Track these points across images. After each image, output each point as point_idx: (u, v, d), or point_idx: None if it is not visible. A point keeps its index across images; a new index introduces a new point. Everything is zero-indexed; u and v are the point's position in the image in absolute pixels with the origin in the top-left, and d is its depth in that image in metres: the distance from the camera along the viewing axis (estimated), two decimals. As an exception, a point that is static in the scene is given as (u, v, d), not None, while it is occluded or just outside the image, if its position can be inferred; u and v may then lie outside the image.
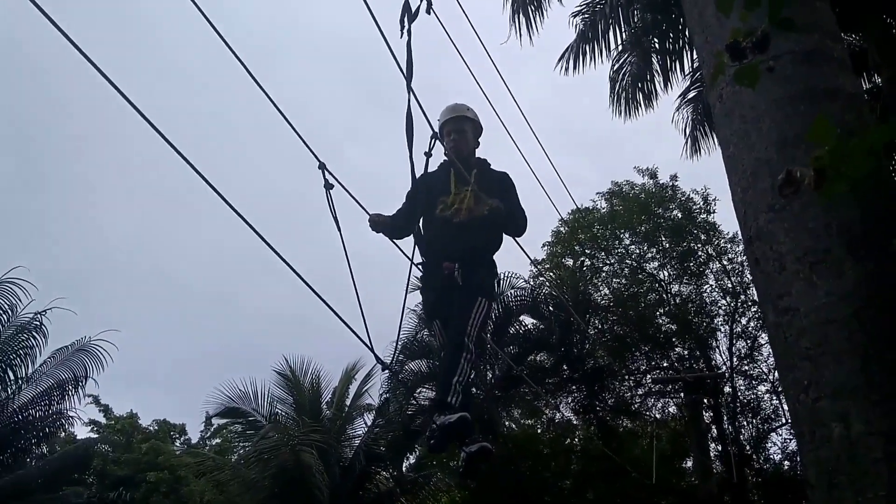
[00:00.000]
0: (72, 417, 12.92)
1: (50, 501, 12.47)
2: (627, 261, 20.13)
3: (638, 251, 20.08)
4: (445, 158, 5.58)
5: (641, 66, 14.07)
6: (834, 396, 2.99)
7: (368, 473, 17.85)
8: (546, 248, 20.70)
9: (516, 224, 5.47)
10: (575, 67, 14.60)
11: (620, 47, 14.47)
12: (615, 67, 14.40)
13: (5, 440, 11.68)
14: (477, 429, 14.43)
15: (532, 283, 19.46)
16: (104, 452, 33.01)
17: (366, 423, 18.85)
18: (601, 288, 20.26)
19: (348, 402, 18.80)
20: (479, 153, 5.71)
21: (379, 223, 5.39)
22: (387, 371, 5.08)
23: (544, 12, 14.24)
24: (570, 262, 20.43)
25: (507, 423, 21.07)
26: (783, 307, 3.29)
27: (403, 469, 19.56)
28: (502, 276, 17.53)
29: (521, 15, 14.04)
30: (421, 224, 5.52)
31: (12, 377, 11.42)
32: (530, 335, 18.66)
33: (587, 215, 20.18)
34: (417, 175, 5.32)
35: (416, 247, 5.44)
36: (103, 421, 35.57)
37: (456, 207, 5.29)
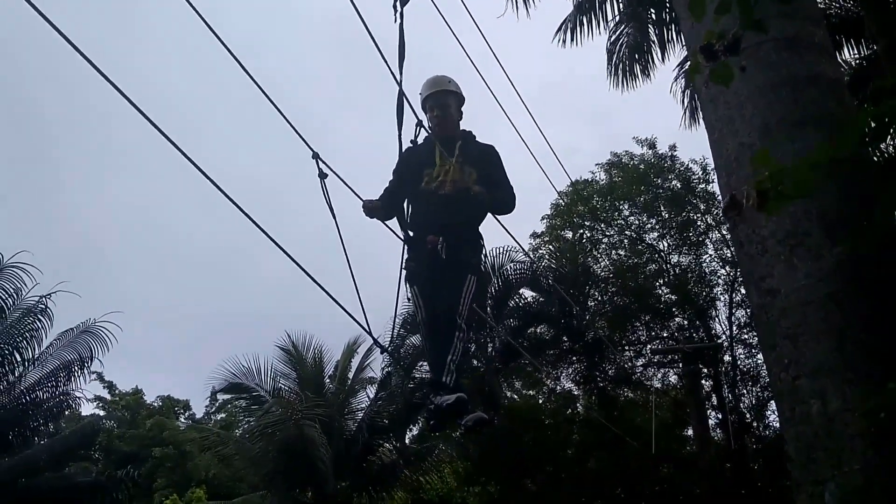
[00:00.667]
0: (78, 398, 13.11)
1: (57, 479, 12.66)
2: (627, 232, 20.20)
3: (637, 222, 20.15)
4: (429, 132, 5.55)
5: (638, 37, 14.08)
6: (812, 375, 3.11)
7: (371, 446, 18.07)
8: (545, 220, 20.77)
9: (503, 204, 5.48)
10: (572, 39, 14.60)
11: (617, 18, 14.49)
12: (612, 39, 14.42)
13: (14, 421, 11.87)
14: (478, 401, 14.58)
15: (531, 256, 19.60)
16: (110, 429, 33.41)
17: (368, 397, 19.05)
18: (601, 259, 20.36)
19: (351, 375, 19.00)
20: (464, 124, 5.68)
21: (372, 209, 5.36)
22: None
23: (541, -15, 14.22)
24: (569, 234, 20.51)
25: (508, 394, 21.30)
26: (765, 288, 3.40)
27: (406, 441, 19.82)
28: (501, 251, 17.64)
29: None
30: (408, 199, 5.53)
31: (19, 359, 11.57)
32: (530, 308, 18.78)
33: (586, 187, 20.22)
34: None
35: (400, 221, 5.48)
36: (108, 397, 35.95)
37: (441, 180, 5.30)
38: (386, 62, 4.71)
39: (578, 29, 14.52)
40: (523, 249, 17.31)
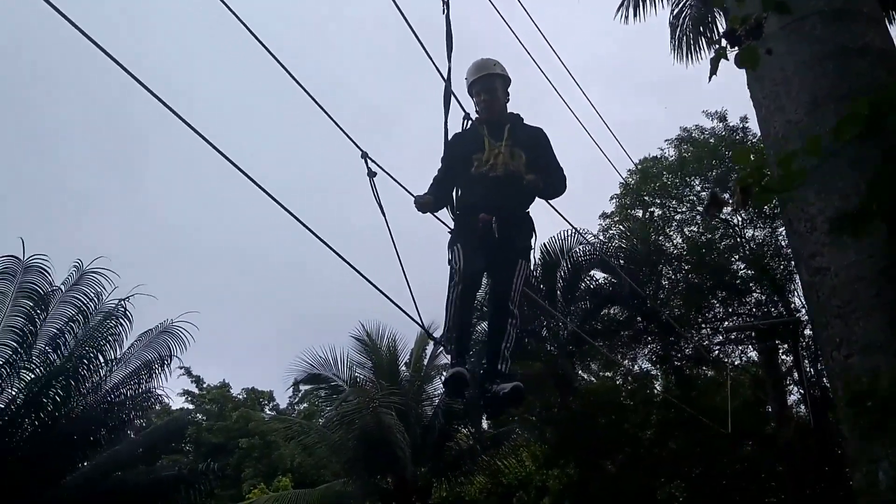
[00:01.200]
0: (160, 395, 13.67)
1: (142, 474, 13.24)
2: (699, 207, 19.80)
3: (711, 197, 19.71)
4: (477, 115, 5.52)
5: (701, 8, 13.80)
6: (864, 352, 3.06)
7: (448, 432, 18.25)
8: (614, 200, 20.52)
9: (555, 189, 5.45)
10: (635, 16, 14.44)
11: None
12: (675, 13, 14.18)
13: (101, 418, 12.44)
14: (551, 385, 14.56)
15: (601, 236, 19.43)
16: (199, 421, 34.50)
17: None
18: (674, 237, 20.02)
19: (425, 362, 19.20)
20: (517, 107, 5.63)
21: (424, 204, 5.34)
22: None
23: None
24: (639, 212, 20.23)
25: (585, 376, 21.21)
26: (815, 267, 3.35)
27: (483, 426, 19.94)
28: (569, 233, 17.53)
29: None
30: (457, 184, 5.52)
31: (102, 360, 12.11)
32: (602, 290, 18.64)
33: (655, 164, 19.90)
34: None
35: (448, 206, 5.47)
36: (196, 391, 37.14)
37: (491, 163, 5.26)
38: (431, 59, 4.75)
39: (641, 4, 14.34)
40: (580, 233, 17.14)
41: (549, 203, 5.72)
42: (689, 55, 13.96)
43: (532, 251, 5.41)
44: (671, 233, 19.82)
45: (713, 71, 2.53)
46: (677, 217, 19.83)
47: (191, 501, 13.35)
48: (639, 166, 19.19)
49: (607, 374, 21.59)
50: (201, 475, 13.97)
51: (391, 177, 5.15)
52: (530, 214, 5.44)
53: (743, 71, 3.57)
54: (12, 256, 11.94)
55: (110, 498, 12.52)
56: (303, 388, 25.89)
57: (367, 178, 5.01)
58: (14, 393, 11.69)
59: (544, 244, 17.76)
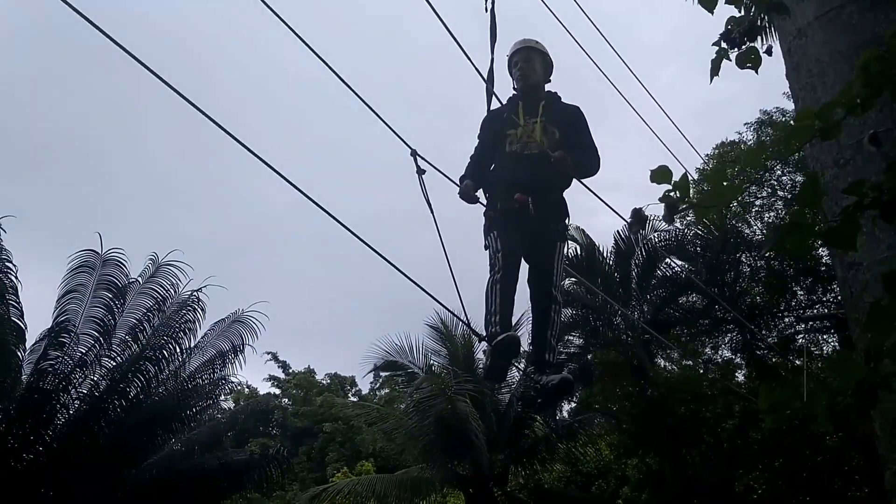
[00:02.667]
0: (235, 382, 14.25)
1: (213, 459, 13.79)
2: (780, 192, 19.25)
3: (791, 182, 19.15)
4: (514, 92, 5.50)
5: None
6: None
7: (524, 419, 18.30)
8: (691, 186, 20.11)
9: (586, 168, 5.31)
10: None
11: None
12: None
13: (179, 405, 13.03)
14: (628, 373, 14.47)
15: (678, 223, 19.09)
16: (285, 406, 35.53)
17: (519, 370, 19.28)
18: (753, 223, 19.53)
19: (504, 350, 19.21)
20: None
21: (468, 193, 5.29)
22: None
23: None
24: (717, 198, 19.75)
25: (664, 364, 20.91)
26: (848, 262, 3.31)
27: (559, 414, 19.91)
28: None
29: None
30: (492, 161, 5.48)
31: (179, 349, 12.69)
32: (678, 277, 18.34)
33: (733, 148, 19.42)
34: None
35: (483, 186, 5.41)
36: (282, 377, 38.21)
37: (525, 141, 5.21)
38: (475, 66, 4.80)
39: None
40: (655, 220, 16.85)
41: (601, 199, 5.64)
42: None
43: (567, 234, 5.37)
44: (750, 218, 19.34)
45: (714, 72, 2.54)
46: (757, 202, 19.33)
47: (266, 483, 13.87)
48: (716, 150, 18.78)
49: (687, 362, 21.25)
50: (275, 458, 14.44)
51: (442, 173, 5.14)
52: (564, 198, 5.37)
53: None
54: (91, 250, 12.59)
55: (191, 478, 13.11)
56: (382, 374, 26.39)
57: (417, 176, 5.02)
58: (96, 380, 12.31)
59: (618, 231, 17.64)
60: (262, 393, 36.11)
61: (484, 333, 5.02)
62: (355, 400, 36.37)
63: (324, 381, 38.95)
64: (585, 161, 5.29)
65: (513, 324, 4.97)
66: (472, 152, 5.56)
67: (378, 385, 36.45)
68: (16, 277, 11.71)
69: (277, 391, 37.76)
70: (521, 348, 4.93)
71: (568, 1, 7.10)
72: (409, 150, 4.94)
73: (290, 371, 38.31)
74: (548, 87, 5.56)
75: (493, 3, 5.29)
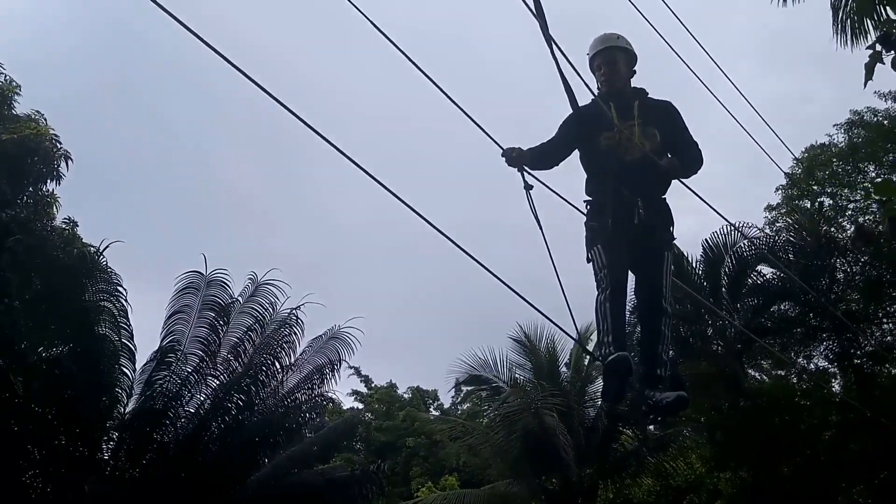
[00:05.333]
0: (332, 398, 14.51)
1: (315, 475, 14.04)
2: (875, 196, 18.56)
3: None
4: (598, 91, 5.26)
5: (867, -13, 12.92)
6: None
7: (612, 433, 18.04)
8: (780, 191, 19.60)
9: (690, 168, 5.15)
10: (794, -1, 13.73)
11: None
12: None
13: (280, 421, 13.33)
14: (720, 385, 14.07)
15: (768, 230, 18.61)
16: (368, 421, 35.81)
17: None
18: (847, 227, 18.87)
19: (585, 363, 19.05)
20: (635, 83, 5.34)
21: (517, 158, 5.00)
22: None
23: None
24: (807, 203, 19.21)
25: (757, 375, 20.36)
26: None
27: (649, 427, 19.55)
28: (732, 227, 16.89)
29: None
30: (583, 163, 5.30)
31: (279, 367, 13.00)
32: (770, 285, 17.81)
33: (823, 151, 18.83)
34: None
35: (540, 165, 5.18)
36: (365, 391, 38.55)
37: (624, 145, 4.99)
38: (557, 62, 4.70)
39: (801, -19, 13.62)
40: (763, 218, 16.43)
41: (707, 203, 5.48)
42: (854, 38, 13.08)
43: (674, 241, 5.16)
44: (844, 222, 18.71)
45: (869, 76, 2.42)
46: (850, 206, 18.70)
47: (364, 499, 14.03)
48: (805, 154, 18.25)
49: (780, 372, 20.62)
50: (372, 475, 14.61)
51: (549, 188, 5.09)
52: (667, 201, 5.18)
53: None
54: (196, 272, 13.03)
55: (290, 496, 13.38)
56: (464, 388, 26.36)
57: (524, 192, 4.94)
58: (202, 399, 12.70)
59: (706, 240, 17.25)
60: (345, 408, 36.51)
61: (598, 353, 4.89)
62: (437, 414, 36.43)
63: (406, 396, 39.14)
64: (690, 162, 5.15)
65: (626, 342, 4.82)
66: (552, 136, 5.29)
67: (460, 399, 36.44)
68: (126, 301, 12.22)
69: (360, 406, 38.12)
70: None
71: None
72: (517, 167, 4.91)
73: (373, 385, 38.62)
74: (633, 82, 5.33)
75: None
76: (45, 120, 14.21)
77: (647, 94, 5.29)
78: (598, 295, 4.85)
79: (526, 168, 4.98)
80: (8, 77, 14.01)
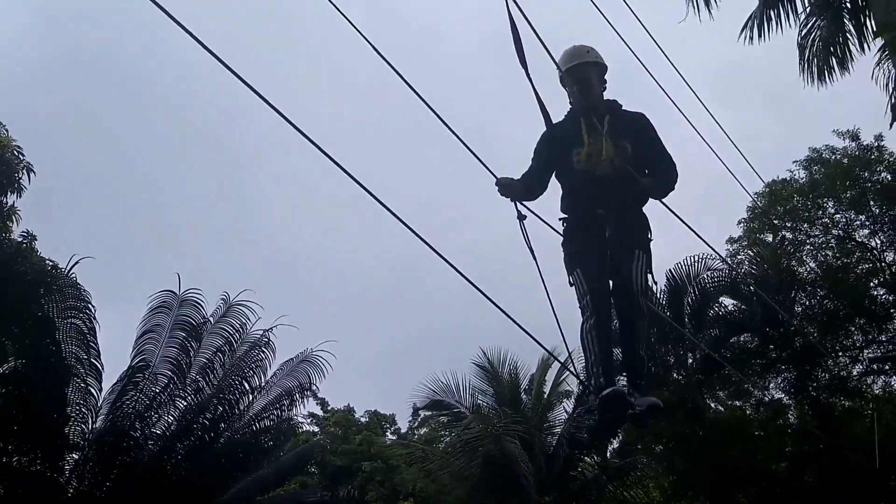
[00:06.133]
0: (300, 422, 14.35)
1: (285, 499, 13.82)
2: (833, 231, 18.97)
3: (844, 219, 18.86)
4: (571, 106, 5.21)
5: (832, 27, 13.27)
6: None
7: (573, 460, 18.05)
8: (742, 224, 19.90)
9: (666, 185, 5.11)
10: (759, 36, 14.05)
11: (808, 10, 13.76)
12: (803, 33, 13.69)
13: (245, 444, 13.12)
14: (681, 414, 14.14)
15: (729, 262, 18.85)
16: (323, 444, 35.32)
17: (566, 411, 19.04)
18: (806, 262, 19.23)
19: (547, 389, 19.07)
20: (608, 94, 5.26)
21: (508, 186, 4.97)
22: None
23: (723, -17, 13.81)
24: (769, 237, 19.55)
25: (713, 405, 20.56)
26: None
27: (608, 455, 19.61)
28: (696, 259, 17.12)
29: (697, -10, 13.66)
30: (558, 180, 5.23)
31: (248, 388, 12.81)
32: (731, 316, 18.05)
33: (784, 186, 19.18)
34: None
35: (525, 197, 5.12)
36: (321, 414, 38.03)
37: (594, 159, 4.93)
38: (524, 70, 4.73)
39: (766, 24, 13.96)
40: (725, 250, 16.69)
41: (689, 227, 5.47)
42: (822, 76, 13.42)
43: (649, 245, 5.02)
44: (804, 257, 19.06)
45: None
46: (809, 241, 19.07)
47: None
48: (766, 189, 18.58)
49: (737, 403, 20.85)
50: (340, 501, 14.47)
51: (542, 220, 5.09)
52: (644, 213, 5.11)
53: (881, 86, 3.38)
54: (169, 291, 12.81)
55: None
56: (422, 413, 26.21)
57: (518, 223, 4.90)
58: (170, 420, 12.46)
59: (670, 270, 17.42)
60: (300, 431, 35.98)
61: (587, 383, 4.82)
62: (394, 438, 36.05)
63: (363, 419, 38.71)
64: (667, 180, 5.11)
65: (615, 372, 4.79)
66: (530, 164, 5.27)
67: (417, 424, 36.13)
68: (94, 318, 11.93)
69: (316, 429, 37.59)
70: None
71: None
72: (509, 197, 4.91)
73: (329, 408, 38.14)
74: (606, 94, 5.25)
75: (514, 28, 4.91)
76: (7, 131, 13.84)
77: (621, 106, 5.23)
78: (584, 323, 4.80)
79: (517, 198, 4.96)
80: (-31, 90, 13.68)
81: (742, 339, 18.55)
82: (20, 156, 13.37)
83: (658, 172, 5.10)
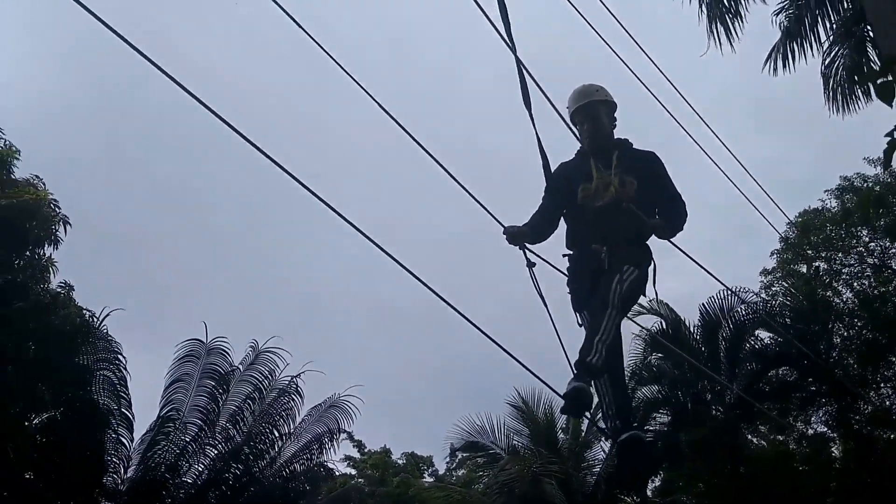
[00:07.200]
0: (331, 469, 14.36)
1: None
2: (869, 259, 18.71)
3: (879, 247, 18.61)
4: (581, 146, 5.21)
5: (856, 57, 13.24)
6: None
7: (612, 500, 17.78)
8: (775, 255, 19.70)
9: (674, 225, 5.06)
10: (784, 66, 14.05)
11: (831, 39, 13.74)
12: (826, 62, 13.66)
13: (276, 492, 13.12)
14: (718, 451, 13.87)
15: (764, 294, 18.65)
16: (360, 487, 35.17)
17: (603, 449, 18.79)
18: (842, 292, 18.95)
19: (584, 428, 18.86)
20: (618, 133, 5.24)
21: (516, 235, 4.95)
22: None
23: (743, 17, 13.86)
24: (803, 267, 19.31)
25: (754, 440, 20.20)
26: None
27: (648, 493, 19.29)
28: (729, 292, 16.91)
29: (718, 24, 13.71)
30: (564, 218, 5.21)
31: (277, 435, 12.88)
32: (768, 350, 17.78)
33: (816, 217, 18.99)
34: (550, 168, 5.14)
35: (537, 238, 5.11)
36: (358, 456, 37.89)
37: (599, 194, 4.91)
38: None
39: (790, 55, 13.96)
40: (759, 283, 16.49)
41: (703, 268, 5.46)
42: (846, 105, 13.38)
43: (645, 267, 4.95)
44: (839, 287, 18.78)
45: (888, 161, 2.45)
46: (845, 271, 18.80)
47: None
48: (798, 219, 18.41)
49: (779, 437, 20.46)
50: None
51: (551, 265, 5.07)
52: (647, 245, 5.04)
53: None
54: (196, 339, 13.02)
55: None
56: (460, 454, 26.00)
57: (528, 270, 4.89)
58: (200, 469, 12.55)
59: (703, 304, 17.25)
60: (337, 474, 35.83)
61: (604, 426, 4.80)
62: (432, 481, 35.77)
63: (400, 461, 38.50)
64: (675, 219, 5.07)
65: (632, 413, 4.75)
66: (539, 205, 5.24)
67: (454, 465, 35.84)
68: (125, 369, 12.15)
69: (353, 471, 37.42)
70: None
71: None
72: (518, 246, 4.90)
73: (366, 451, 37.98)
74: (616, 132, 5.24)
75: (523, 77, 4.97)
76: (44, 184, 14.24)
77: (631, 144, 5.23)
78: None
79: (527, 246, 4.95)
80: (8, 142, 14.10)
81: (780, 372, 18.22)
82: (56, 208, 13.78)
83: (666, 211, 5.08)
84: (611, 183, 4.89)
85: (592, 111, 5.14)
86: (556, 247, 5.16)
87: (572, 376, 4.33)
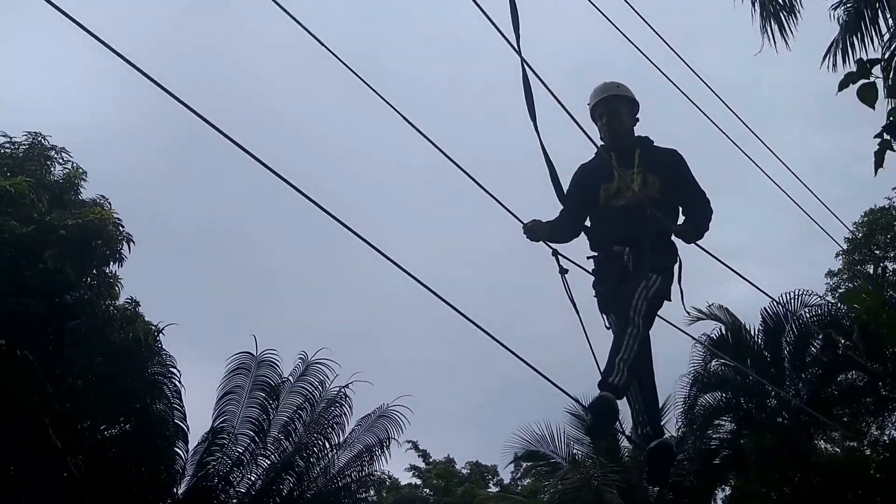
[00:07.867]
0: (383, 477, 14.50)
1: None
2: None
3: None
4: (602, 144, 5.08)
5: (916, 51, 12.82)
6: None
7: (675, 510, 17.49)
8: (840, 257, 19.15)
9: (698, 226, 4.94)
10: (844, 62, 13.70)
11: (892, 31, 13.34)
12: (886, 56, 13.25)
13: (331, 500, 13.31)
14: (785, 459, 13.53)
15: (830, 297, 18.14)
16: (426, 496, 35.24)
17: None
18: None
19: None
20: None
21: (536, 230, 4.87)
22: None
23: (797, 13, 13.61)
24: (870, 268, 18.73)
25: (825, 447, 19.62)
26: None
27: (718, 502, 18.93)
28: (793, 295, 16.49)
29: (772, 21, 13.47)
30: (589, 219, 5.14)
31: (328, 446, 13.09)
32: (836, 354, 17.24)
33: (884, 215, 18.41)
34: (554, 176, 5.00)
35: (559, 238, 5.04)
36: (422, 466, 37.98)
37: (622, 194, 4.86)
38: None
39: (850, 50, 13.62)
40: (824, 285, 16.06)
41: (742, 277, 5.35)
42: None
43: (672, 271, 4.88)
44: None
45: (878, 164, 2.40)
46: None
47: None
48: (865, 217, 17.88)
49: (852, 444, 19.82)
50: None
51: (583, 269, 4.99)
52: (673, 241, 4.92)
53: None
54: (246, 352, 13.31)
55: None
56: (523, 463, 25.87)
57: (560, 276, 4.80)
58: (253, 479, 12.81)
59: (765, 308, 16.84)
60: (402, 483, 35.99)
61: (634, 434, 4.76)
62: (496, 490, 35.61)
63: (464, 471, 38.42)
64: (700, 220, 4.97)
65: (660, 418, 4.70)
66: (561, 209, 5.15)
67: (519, 475, 35.63)
68: (179, 382, 12.51)
69: (418, 481, 37.51)
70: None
71: (683, 69, 6.91)
72: (551, 251, 4.82)
73: (431, 460, 38.03)
74: (637, 130, 5.16)
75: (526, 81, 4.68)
76: (110, 204, 14.71)
77: (653, 142, 5.14)
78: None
79: (560, 252, 4.87)
80: (75, 164, 14.59)
81: (849, 376, 17.67)
82: (120, 227, 14.24)
83: (691, 211, 5.01)
84: (633, 182, 4.83)
85: (613, 105, 5.05)
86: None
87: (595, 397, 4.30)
